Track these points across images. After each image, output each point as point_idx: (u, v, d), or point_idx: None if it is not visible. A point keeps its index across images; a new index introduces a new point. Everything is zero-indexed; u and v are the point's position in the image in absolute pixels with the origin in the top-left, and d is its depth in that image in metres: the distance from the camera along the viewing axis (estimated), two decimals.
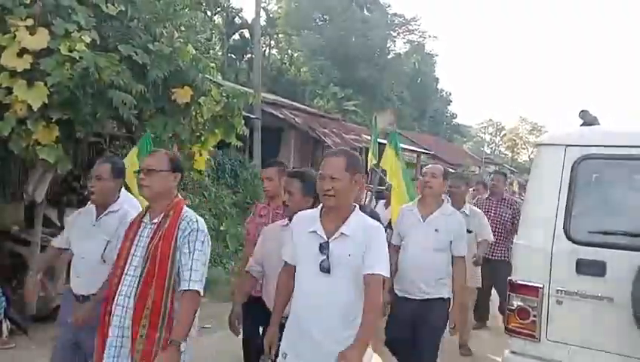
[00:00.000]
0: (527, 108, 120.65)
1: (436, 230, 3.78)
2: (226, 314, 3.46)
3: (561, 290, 2.94)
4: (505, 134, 63.77)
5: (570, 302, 2.92)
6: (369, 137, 20.71)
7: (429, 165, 4.13)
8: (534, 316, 3.00)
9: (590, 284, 2.86)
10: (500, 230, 6.04)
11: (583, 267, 2.87)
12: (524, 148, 61.61)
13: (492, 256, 5.91)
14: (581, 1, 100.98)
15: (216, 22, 25.77)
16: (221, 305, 5.97)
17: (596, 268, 2.85)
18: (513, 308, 3.07)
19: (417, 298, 3.81)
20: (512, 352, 3.10)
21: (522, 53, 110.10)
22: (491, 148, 61.59)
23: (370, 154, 7.61)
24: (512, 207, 6.22)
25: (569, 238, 2.93)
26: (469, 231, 4.37)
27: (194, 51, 5.93)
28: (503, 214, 6.17)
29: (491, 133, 65.11)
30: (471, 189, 7.40)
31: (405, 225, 3.98)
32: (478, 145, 57.27)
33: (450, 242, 3.82)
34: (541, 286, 2.98)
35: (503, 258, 6.00)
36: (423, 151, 26.76)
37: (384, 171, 6.43)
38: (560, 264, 2.94)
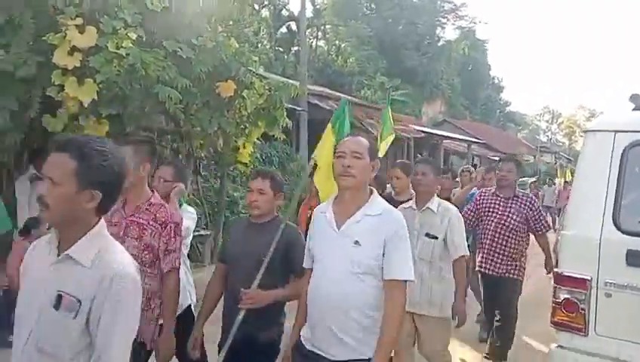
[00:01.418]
0: (586, 96, 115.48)
1: (356, 242, 2.29)
2: None
3: (611, 283, 2.81)
4: (562, 122, 61.47)
5: (620, 294, 2.79)
6: (416, 127, 20.50)
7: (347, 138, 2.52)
8: (582, 309, 2.89)
9: None
10: (505, 236, 4.59)
11: (633, 258, 2.74)
12: (581, 136, 59.18)
13: (494, 270, 4.65)
14: None
15: (263, 15, 25.97)
16: None
17: None
18: (560, 300, 2.96)
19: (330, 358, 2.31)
20: (560, 346, 2.99)
21: (579, 39, 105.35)
22: (547, 136, 59.52)
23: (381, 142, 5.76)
24: (526, 206, 4.62)
25: (618, 228, 2.80)
26: (432, 237, 3.56)
27: (237, 45, 6.00)
28: (513, 216, 4.60)
29: (547, 121, 62.95)
30: (477, 177, 6.09)
31: (316, 236, 2.46)
32: (533, 134, 55.51)
33: (383, 256, 2.28)
34: (589, 278, 2.86)
35: (509, 274, 4.62)
36: (474, 140, 26.14)
37: None
38: (609, 255, 2.81)
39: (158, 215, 2.70)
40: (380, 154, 6.70)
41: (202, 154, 7.57)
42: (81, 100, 4.67)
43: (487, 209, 4.76)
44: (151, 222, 2.69)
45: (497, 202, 4.72)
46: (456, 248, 3.58)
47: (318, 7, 32.15)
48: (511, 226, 4.59)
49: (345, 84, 27.63)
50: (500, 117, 47.59)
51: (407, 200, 3.90)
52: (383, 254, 2.27)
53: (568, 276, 2.94)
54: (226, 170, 8.02)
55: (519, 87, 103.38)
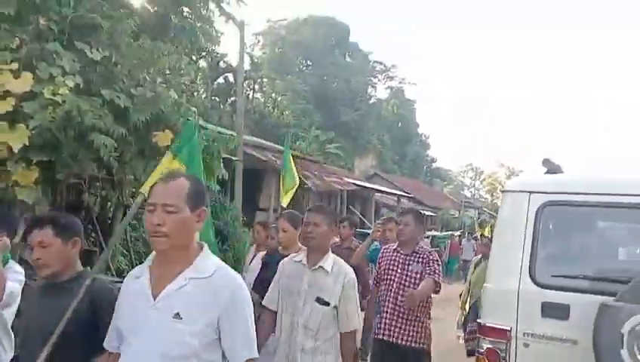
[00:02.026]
0: (506, 154, 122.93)
1: (176, 315, 1.79)
2: None
3: (528, 333, 3.02)
4: (484, 178, 64.75)
5: (537, 344, 3.00)
6: (350, 180, 21.03)
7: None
8: (503, 358, 3.06)
9: (555, 327, 2.95)
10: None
11: (548, 310, 2.97)
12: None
13: (398, 339, 3.94)
14: (558, 47, 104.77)
15: (200, 66, 26.17)
16: None
17: (560, 311, 2.95)
18: (482, 350, 3.13)
19: None
20: None
21: (502, 100, 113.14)
22: (471, 191, 62.35)
23: (284, 194, 5.66)
24: (423, 262, 4.01)
25: (534, 281, 3.03)
26: (323, 303, 2.96)
27: (176, 96, 6.07)
28: (414, 273, 4.00)
29: (471, 178, 66.11)
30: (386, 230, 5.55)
31: (124, 309, 1.94)
32: (458, 189, 57.96)
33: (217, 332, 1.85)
34: (509, 328, 3.06)
35: (414, 343, 3.94)
36: (404, 194, 27.05)
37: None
38: (526, 307, 3.03)
39: None
40: (284, 204, 6.57)
41: (132, 203, 7.43)
42: (10, 145, 4.54)
43: (387, 267, 4.13)
44: None
45: (397, 259, 4.11)
46: (350, 319, 3.00)
47: (256, 60, 32.85)
48: (412, 281, 3.97)
49: (280, 136, 28.04)
50: (427, 172, 49.60)
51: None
52: (218, 330, 1.80)
53: (490, 327, 3.13)
54: None
55: (446, 145, 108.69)
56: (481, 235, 17.58)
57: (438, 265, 4.03)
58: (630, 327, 2.60)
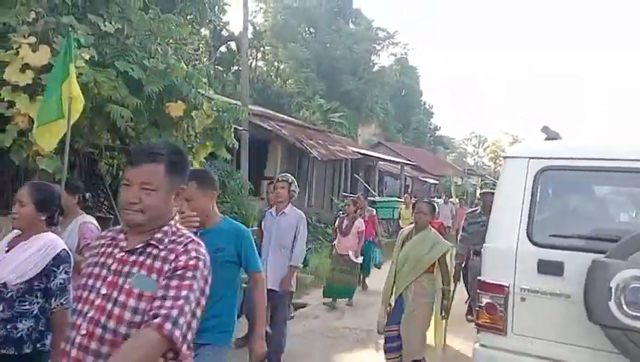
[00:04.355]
0: (510, 122, 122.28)
1: None
2: None
3: (525, 288, 3.25)
4: (488, 146, 64.72)
5: (533, 298, 3.23)
6: (354, 149, 21.15)
7: None
8: (501, 312, 3.30)
9: (550, 282, 3.18)
10: None
11: (544, 267, 3.18)
12: None
13: None
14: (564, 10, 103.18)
15: (203, 34, 26.03)
16: None
17: (555, 268, 3.16)
18: (482, 304, 3.37)
19: None
20: (482, 345, 3.40)
21: (506, 67, 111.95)
22: (474, 159, 62.43)
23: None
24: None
25: (531, 241, 3.25)
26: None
27: (187, 67, 6.22)
28: None
29: (474, 145, 66.11)
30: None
31: None
32: (461, 157, 58.05)
33: None
34: (507, 284, 3.29)
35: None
36: (407, 162, 27.20)
37: None
38: (523, 264, 3.25)
39: None
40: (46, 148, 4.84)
41: None
42: (31, 117, 4.73)
43: None
44: None
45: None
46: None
47: (257, 28, 32.58)
48: None
49: (284, 105, 28.05)
50: (430, 140, 49.54)
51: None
52: None
53: (489, 283, 3.36)
54: None
55: (450, 113, 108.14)
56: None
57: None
58: (618, 281, 2.82)
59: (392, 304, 4.66)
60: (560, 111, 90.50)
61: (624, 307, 2.81)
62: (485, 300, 3.35)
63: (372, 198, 17.26)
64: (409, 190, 26.20)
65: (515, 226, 3.30)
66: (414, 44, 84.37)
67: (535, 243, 3.24)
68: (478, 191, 6.91)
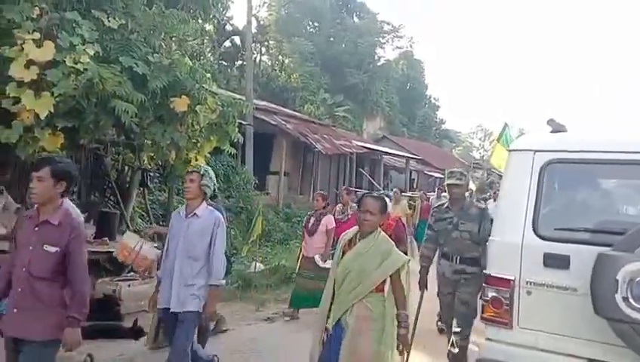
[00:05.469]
0: (515, 115, 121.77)
1: None
2: None
3: (531, 282, 3.24)
4: (494, 140, 64.39)
5: (539, 292, 3.22)
6: (359, 143, 21.11)
7: None
8: (507, 305, 3.30)
9: (556, 276, 3.17)
10: None
11: (550, 260, 3.17)
12: None
13: None
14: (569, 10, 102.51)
15: (207, 29, 26.00)
16: None
17: (561, 261, 3.15)
18: (488, 298, 3.36)
19: None
20: (488, 339, 3.39)
21: (511, 60, 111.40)
22: (480, 153, 62.19)
23: None
24: None
25: (537, 234, 3.23)
26: None
27: (191, 63, 6.21)
28: None
29: (480, 139, 65.80)
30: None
31: None
32: (467, 151, 57.81)
33: None
34: (512, 278, 3.28)
35: None
36: (412, 156, 27.13)
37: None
38: (529, 258, 3.23)
39: None
40: None
41: (150, 167, 7.68)
42: (37, 112, 4.75)
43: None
44: None
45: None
46: None
47: (261, 22, 32.50)
48: None
49: (288, 99, 28.02)
50: (436, 134, 49.34)
51: None
52: None
53: (495, 277, 3.35)
54: (174, 184, 8.14)
55: (456, 106, 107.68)
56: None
57: None
58: (624, 274, 2.80)
59: (329, 331, 3.49)
60: (566, 103, 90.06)
61: (631, 300, 2.80)
62: (491, 294, 3.34)
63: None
64: (414, 184, 26.14)
65: (520, 219, 3.28)
66: (419, 38, 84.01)
67: (541, 237, 3.22)
68: (447, 182, 4.98)
